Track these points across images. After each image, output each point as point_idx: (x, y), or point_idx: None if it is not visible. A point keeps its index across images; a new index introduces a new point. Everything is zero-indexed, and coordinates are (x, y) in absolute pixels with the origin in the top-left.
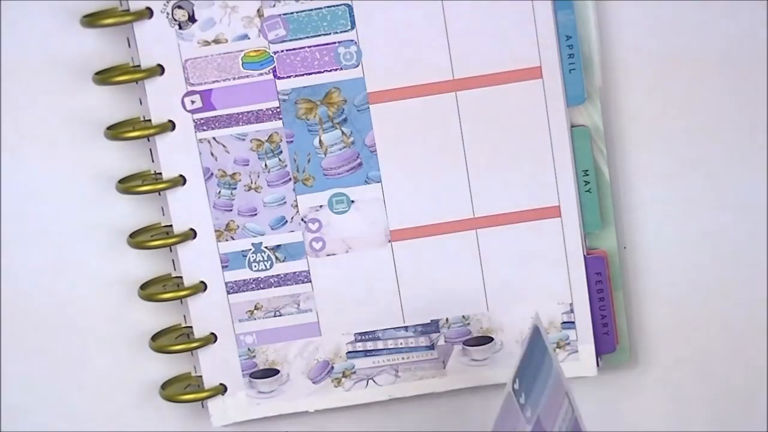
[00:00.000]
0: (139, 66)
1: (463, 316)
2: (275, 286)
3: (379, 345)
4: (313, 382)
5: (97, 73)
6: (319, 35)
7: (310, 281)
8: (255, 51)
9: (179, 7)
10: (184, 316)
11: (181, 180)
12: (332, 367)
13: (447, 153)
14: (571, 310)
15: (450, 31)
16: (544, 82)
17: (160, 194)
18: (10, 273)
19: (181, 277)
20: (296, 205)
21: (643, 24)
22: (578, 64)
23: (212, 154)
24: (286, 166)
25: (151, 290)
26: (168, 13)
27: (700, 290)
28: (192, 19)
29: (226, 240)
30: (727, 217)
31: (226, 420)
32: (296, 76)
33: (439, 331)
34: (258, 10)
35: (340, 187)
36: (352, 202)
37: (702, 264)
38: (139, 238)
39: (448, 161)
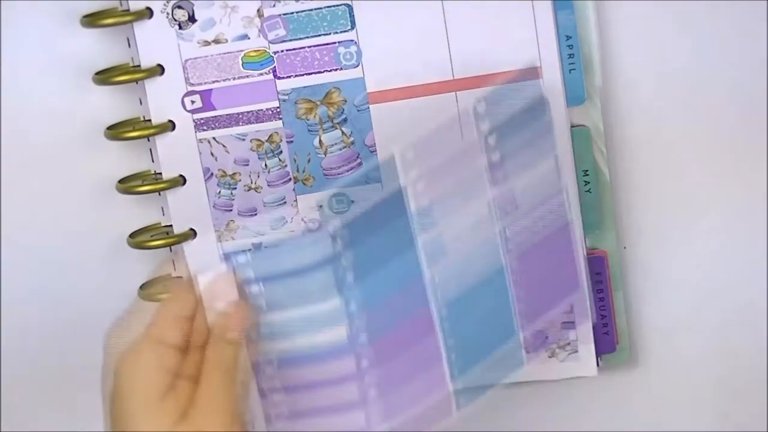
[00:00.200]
0: (139, 66)
1: None
2: None
3: None
4: None
5: (97, 73)
6: (319, 35)
7: None
8: (255, 51)
9: (179, 7)
10: None
11: (181, 180)
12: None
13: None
14: (571, 310)
15: (450, 32)
16: (544, 82)
17: (160, 194)
18: (10, 273)
19: (181, 277)
20: (296, 205)
21: (643, 24)
22: (578, 64)
23: (212, 154)
24: (286, 166)
25: (151, 290)
26: (168, 13)
27: (699, 290)
28: (192, 19)
29: (227, 240)
30: (727, 217)
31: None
32: (296, 76)
33: None
34: (258, 10)
35: (340, 187)
36: (352, 202)
37: (702, 264)
38: (139, 238)
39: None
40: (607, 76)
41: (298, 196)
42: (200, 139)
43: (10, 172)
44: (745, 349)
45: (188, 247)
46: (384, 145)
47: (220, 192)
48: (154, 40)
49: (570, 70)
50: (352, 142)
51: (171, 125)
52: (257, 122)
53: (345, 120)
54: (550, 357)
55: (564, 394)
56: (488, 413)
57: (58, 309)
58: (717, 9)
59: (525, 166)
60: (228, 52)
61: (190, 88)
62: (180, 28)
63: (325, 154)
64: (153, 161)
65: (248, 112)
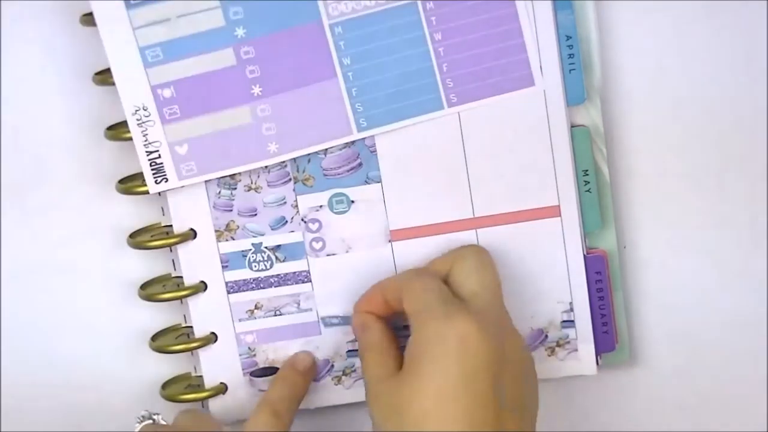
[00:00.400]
0: None
1: None
2: (275, 286)
3: None
4: (314, 381)
5: (96, 74)
6: None
7: (311, 281)
8: None
9: None
10: (184, 316)
11: None
12: (332, 366)
13: (447, 153)
14: (571, 309)
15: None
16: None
17: (160, 194)
18: (10, 273)
19: (181, 277)
20: (296, 206)
21: (643, 24)
22: (578, 64)
23: None
24: (286, 166)
25: (151, 290)
26: None
27: (699, 289)
28: None
29: (227, 240)
30: (727, 217)
31: (226, 419)
32: None
33: None
34: None
35: (340, 187)
36: (352, 202)
37: (701, 263)
38: (139, 238)
39: (448, 161)
40: (607, 76)
41: (298, 197)
42: None
43: (9, 171)
44: (745, 348)
45: (188, 247)
46: (384, 145)
47: (220, 192)
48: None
49: (570, 70)
50: (352, 142)
51: None
52: None
53: None
54: (549, 355)
55: (563, 392)
56: None
57: (58, 309)
58: (717, 9)
59: None
60: None
61: None
62: None
63: (325, 154)
64: None
65: None
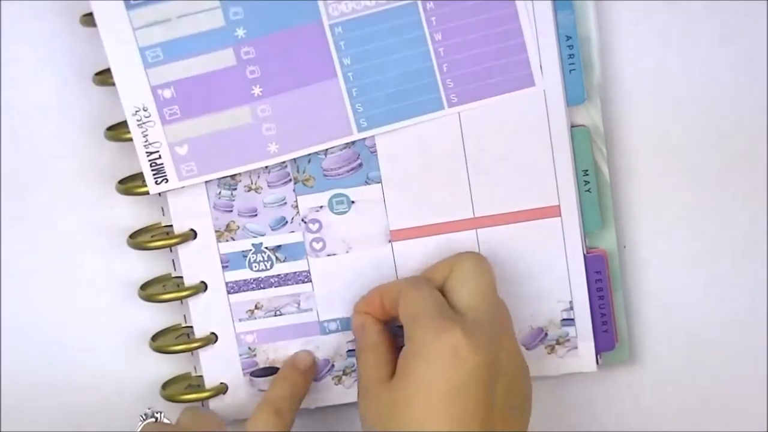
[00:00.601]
0: None
1: None
2: (275, 286)
3: None
4: (314, 380)
5: (97, 74)
6: None
7: (311, 281)
8: None
9: None
10: (184, 316)
11: None
12: (333, 365)
13: (447, 153)
14: (571, 308)
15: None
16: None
17: (160, 194)
18: (10, 273)
19: (181, 277)
20: (296, 206)
21: (643, 24)
22: (578, 64)
23: None
24: (286, 166)
25: (151, 290)
26: None
27: (699, 289)
28: None
29: (227, 240)
30: (727, 217)
31: (226, 419)
32: None
33: None
34: None
35: (340, 187)
36: (353, 202)
37: (701, 263)
38: (139, 239)
39: (448, 161)
40: (607, 76)
41: (298, 197)
42: None
43: (9, 172)
44: (745, 348)
45: (188, 247)
46: (384, 146)
47: (220, 192)
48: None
49: (570, 70)
50: (353, 143)
51: None
52: None
53: None
54: (549, 353)
55: (563, 392)
56: None
57: (58, 309)
58: (717, 9)
59: None
60: None
61: None
62: None
63: (325, 154)
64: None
65: None
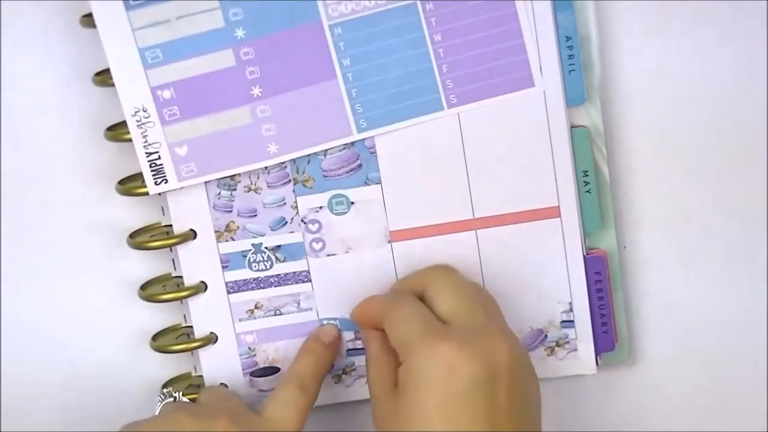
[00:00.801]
0: None
1: None
2: (275, 286)
3: None
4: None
5: (96, 74)
6: None
7: (310, 281)
8: None
9: None
10: (184, 316)
11: None
12: (332, 364)
13: (447, 153)
14: (571, 309)
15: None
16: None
17: (160, 194)
18: (10, 273)
19: (181, 277)
20: (296, 207)
21: (643, 24)
22: (578, 65)
23: None
24: (285, 167)
25: (151, 290)
26: None
27: (699, 289)
28: None
29: (226, 240)
30: (727, 217)
31: None
32: None
33: None
34: None
35: (339, 188)
36: (352, 203)
37: (701, 263)
38: (139, 239)
39: (448, 162)
40: (607, 76)
41: (297, 198)
42: None
43: (9, 172)
44: (744, 348)
45: (188, 247)
46: (383, 147)
47: (220, 193)
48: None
49: (570, 70)
50: (352, 144)
51: None
52: None
53: None
54: (549, 355)
55: (563, 392)
56: None
57: (58, 309)
58: (717, 9)
59: None
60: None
61: None
62: None
63: (324, 155)
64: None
65: None
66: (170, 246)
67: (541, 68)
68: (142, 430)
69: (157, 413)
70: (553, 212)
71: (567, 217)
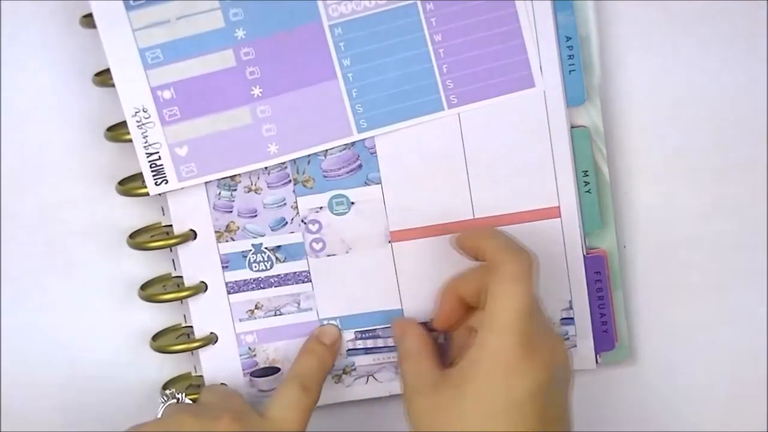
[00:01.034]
0: None
1: None
2: (275, 286)
3: (379, 343)
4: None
5: (96, 74)
6: None
7: (311, 281)
8: None
9: None
10: (184, 316)
11: None
12: (333, 365)
13: (447, 154)
14: (570, 307)
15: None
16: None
17: (160, 195)
18: (10, 273)
19: (181, 277)
20: (296, 207)
21: (643, 24)
22: (578, 65)
23: None
24: (286, 167)
25: (151, 290)
26: None
27: (699, 290)
28: None
29: (227, 241)
30: (727, 217)
31: None
32: None
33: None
34: None
35: (340, 188)
36: (352, 203)
37: (701, 263)
38: (139, 239)
39: (448, 162)
40: (607, 76)
41: (298, 198)
42: None
43: (9, 171)
44: (744, 348)
45: (188, 247)
46: (384, 147)
47: (220, 193)
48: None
49: (570, 70)
50: (352, 144)
51: None
52: None
53: None
54: None
55: None
56: None
57: (58, 309)
58: (717, 9)
59: None
60: None
61: None
62: None
63: (324, 155)
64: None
65: None
66: (170, 246)
67: (541, 68)
68: (146, 430)
69: (159, 415)
70: (553, 212)
71: (567, 217)
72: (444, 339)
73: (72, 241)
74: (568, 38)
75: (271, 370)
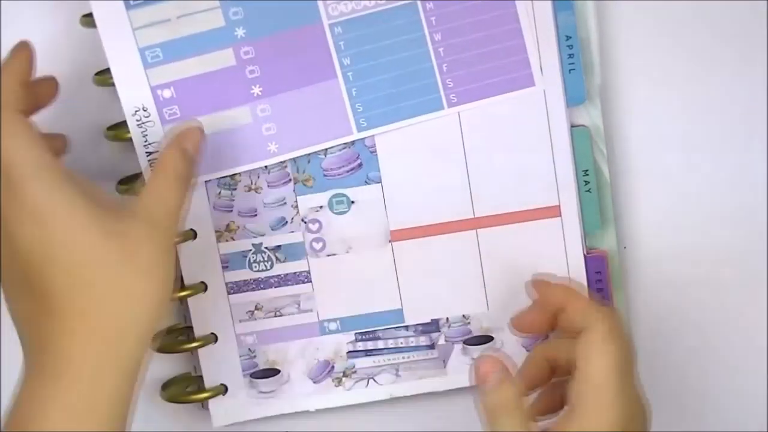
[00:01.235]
0: None
1: (464, 315)
2: (275, 287)
3: (380, 344)
4: (314, 382)
5: (96, 74)
6: None
7: (311, 281)
8: None
9: None
10: (184, 316)
11: None
12: (333, 367)
13: (447, 153)
14: None
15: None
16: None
17: None
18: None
19: (181, 277)
20: (296, 206)
21: (643, 24)
22: (578, 64)
23: None
24: (286, 166)
25: None
26: None
27: (699, 290)
28: None
29: (227, 240)
30: (727, 218)
31: (226, 420)
32: None
33: (439, 331)
34: None
35: (340, 187)
36: (353, 202)
37: (701, 264)
38: None
39: (448, 161)
40: (607, 76)
41: (298, 197)
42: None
43: None
44: (745, 348)
45: (189, 247)
46: (384, 146)
47: (220, 193)
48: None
49: (570, 70)
50: (352, 143)
51: None
52: None
53: None
54: None
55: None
56: None
57: None
58: (717, 9)
59: None
60: None
61: None
62: None
63: (325, 154)
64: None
65: None
66: None
67: (541, 68)
68: None
69: None
70: (553, 212)
71: (567, 217)
72: None
73: None
74: (568, 38)
75: (271, 372)
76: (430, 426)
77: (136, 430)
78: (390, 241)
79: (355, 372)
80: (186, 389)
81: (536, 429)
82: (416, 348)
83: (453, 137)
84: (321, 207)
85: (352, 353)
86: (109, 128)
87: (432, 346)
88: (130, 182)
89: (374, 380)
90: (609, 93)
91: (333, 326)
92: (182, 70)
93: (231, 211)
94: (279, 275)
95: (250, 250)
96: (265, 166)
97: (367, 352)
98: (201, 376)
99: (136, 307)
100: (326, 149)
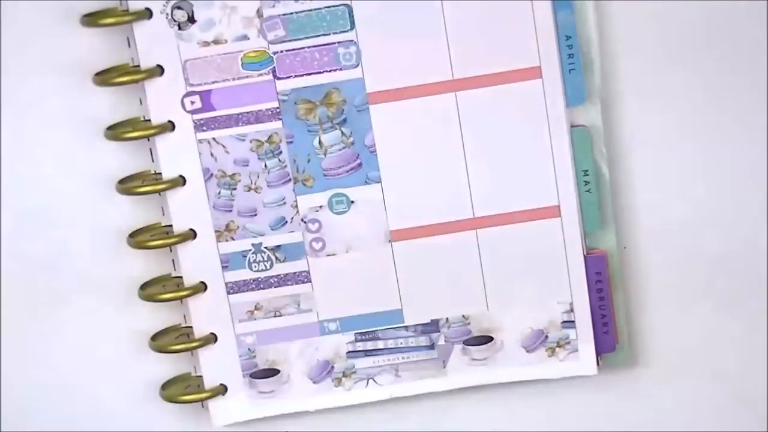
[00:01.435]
0: (138, 66)
1: (464, 316)
2: (275, 286)
3: (380, 345)
4: (314, 382)
5: (97, 74)
6: (319, 35)
7: (310, 281)
8: (255, 52)
9: (179, 8)
10: (184, 316)
11: (181, 180)
12: (332, 367)
13: (447, 153)
14: (571, 310)
15: (449, 31)
16: (544, 82)
17: (160, 194)
18: (10, 273)
19: (181, 277)
20: (296, 206)
21: (643, 24)
22: (578, 64)
23: (212, 154)
24: (285, 166)
25: (151, 290)
26: (167, 14)
27: (699, 290)
28: (192, 19)
29: (226, 240)
30: (727, 218)
31: (226, 420)
32: (296, 76)
33: (439, 331)
34: (258, 11)
35: (339, 187)
36: (352, 202)
37: (702, 264)
38: (139, 238)
39: (448, 161)
40: (607, 76)
41: (297, 197)
42: (200, 140)
43: (10, 171)
44: (745, 348)
45: (188, 247)
46: (384, 146)
47: (220, 192)
48: (154, 40)
49: (570, 70)
50: (352, 143)
51: (171, 126)
52: (257, 122)
53: (345, 120)
54: (549, 356)
55: (563, 393)
56: (487, 412)
57: (58, 309)
58: (717, 9)
59: None
60: (228, 53)
61: (190, 89)
62: (179, 28)
63: (324, 154)
64: (153, 161)
65: (248, 112)
66: (170, 245)
67: (541, 68)
68: None
69: None
70: (553, 212)
71: (567, 217)
72: None
73: (72, 242)
74: (568, 38)
75: (271, 372)
76: (430, 426)
77: (136, 430)
78: (390, 241)
79: (354, 372)
80: (186, 389)
81: None
82: (416, 348)
83: (453, 137)
84: (321, 207)
85: (352, 353)
86: (109, 128)
87: (432, 347)
88: (130, 182)
89: (374, 380)
90: (609, 93)
91: (333, 326)
92: None
93: (231, 210)
94: (279, 275)
95: (250, 249)
96: (265, 165)
97: (367, 353)
98: (201, 376)
99: None
100: (326, 149)
